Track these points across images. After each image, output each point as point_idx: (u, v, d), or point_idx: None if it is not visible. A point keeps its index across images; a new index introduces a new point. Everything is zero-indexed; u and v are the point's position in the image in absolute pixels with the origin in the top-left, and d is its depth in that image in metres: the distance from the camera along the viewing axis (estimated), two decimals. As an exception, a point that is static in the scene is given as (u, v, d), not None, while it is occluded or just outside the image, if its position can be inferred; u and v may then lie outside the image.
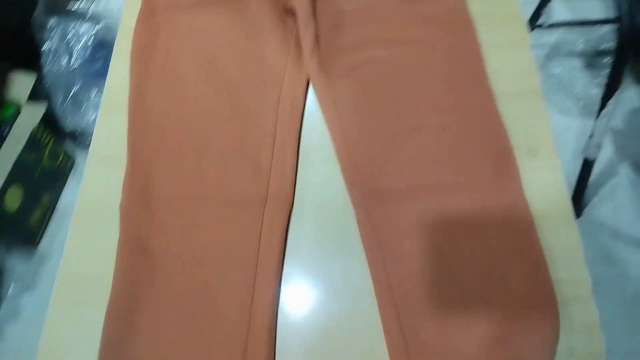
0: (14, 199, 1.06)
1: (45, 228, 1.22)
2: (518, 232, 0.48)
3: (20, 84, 1.14)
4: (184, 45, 0.61)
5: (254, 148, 0.54)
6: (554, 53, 1.43)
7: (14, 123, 1.08)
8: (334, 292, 0.48)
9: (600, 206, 1.22)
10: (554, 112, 1.35)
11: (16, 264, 1.18)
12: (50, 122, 1.20)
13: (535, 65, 0.57)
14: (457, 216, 0.49)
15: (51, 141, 1.18)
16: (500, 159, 0.51)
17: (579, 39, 1.44)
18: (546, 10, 1.34)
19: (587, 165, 1.13)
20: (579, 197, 1.18)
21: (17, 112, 1.11)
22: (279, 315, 0.48)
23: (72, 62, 1.34)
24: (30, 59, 1.33)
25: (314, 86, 0.57)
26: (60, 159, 1.23)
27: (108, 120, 0.59)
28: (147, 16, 0.62)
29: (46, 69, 1.30)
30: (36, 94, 1.23)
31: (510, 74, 0.57)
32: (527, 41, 0.59)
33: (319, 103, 0.56)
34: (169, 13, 0.63)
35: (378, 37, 0.60)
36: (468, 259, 0.47)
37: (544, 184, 0.51)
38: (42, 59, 1.31)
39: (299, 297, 0.49)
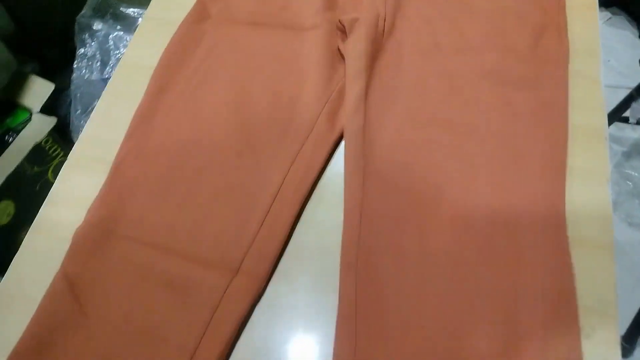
0: (4, 213, 0.99)
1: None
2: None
3: (37, 91, 1.07)
4: (219, 62, 0.55)
5: (245, 209, 0.46)
6: (634, 152, 1.24)
7: (20, 132, 1.01)
8: None
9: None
10: (622, 224, 1.15)
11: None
12: (62, 135, 1.13)
13: (610, 163, 0.49)
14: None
15: (60, 155, 1.11)
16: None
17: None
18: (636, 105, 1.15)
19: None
20: (633, 337, 0.99)
21: (28, 121, 1.04)
22: None
23: (105, 72, 1.27)
24: (62, 62, 1.27)
25: (346, 150, 0.48)
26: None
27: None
28: (197, 19, 0.59)
29: (75, 74, 1.24)
30: (54, 103, 1.16)
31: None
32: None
33: (345, 172, 0.47)
34: (220, 23, 0.58)
35: (443, 116, 0.50)
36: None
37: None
38: (74, 64, 1.24)
39: None
